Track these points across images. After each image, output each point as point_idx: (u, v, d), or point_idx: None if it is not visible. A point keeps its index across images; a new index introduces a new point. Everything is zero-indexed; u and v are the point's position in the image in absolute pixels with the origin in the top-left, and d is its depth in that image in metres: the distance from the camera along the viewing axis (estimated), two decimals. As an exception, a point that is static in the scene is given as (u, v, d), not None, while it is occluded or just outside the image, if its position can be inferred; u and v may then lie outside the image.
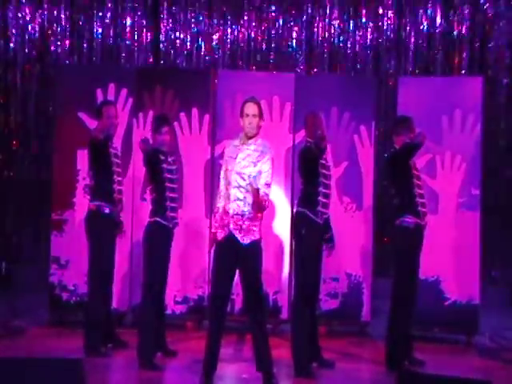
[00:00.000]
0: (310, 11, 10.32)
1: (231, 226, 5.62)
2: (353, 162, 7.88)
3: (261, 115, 5.69)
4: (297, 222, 6.44)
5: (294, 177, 7.84)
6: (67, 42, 10.30)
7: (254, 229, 5.64)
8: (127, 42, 10.32)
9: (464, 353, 7.22)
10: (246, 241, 5.62)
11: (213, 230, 5.84)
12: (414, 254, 6.48)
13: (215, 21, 10.36)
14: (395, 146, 6.53)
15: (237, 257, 5.65)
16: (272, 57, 10.35)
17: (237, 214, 5.63)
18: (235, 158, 5.65)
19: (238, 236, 5.62)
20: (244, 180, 5.60)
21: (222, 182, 5.78)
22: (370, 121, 7.94)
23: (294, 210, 6.62)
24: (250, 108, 5.65)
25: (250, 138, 5.67)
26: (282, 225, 7.85)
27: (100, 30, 10.31)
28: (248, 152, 5.65)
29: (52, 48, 10.27)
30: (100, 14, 10.30)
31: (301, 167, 6.45)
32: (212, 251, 5.98)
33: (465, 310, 7.46)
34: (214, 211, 5.87)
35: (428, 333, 7.56)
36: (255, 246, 5.66)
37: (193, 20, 10.38)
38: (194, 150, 7.85)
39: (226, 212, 5.67)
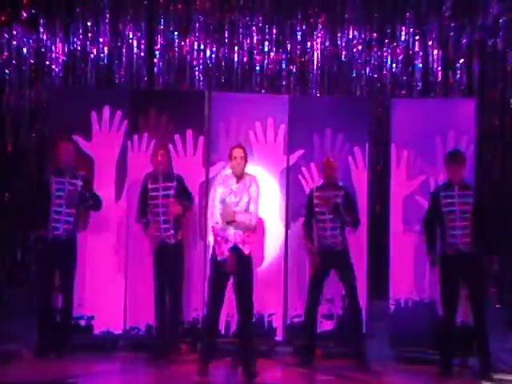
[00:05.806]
0: (303, 34, 10.38)
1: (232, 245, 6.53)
2: (347, 184, 7.87)
3: (246, 158, 6.69)
4: None
5: (289, 197, 7.87)
6: (62, 64, 10.32)
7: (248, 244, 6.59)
8: (122, 65, 10.34)
9: (459, 375, 7.17)
10: (247, 251, 6.56)
11: (214, 244, 6.65)
12: None
13: (210, 42, 10.40)
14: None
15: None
16: (266, 78, 10.37)
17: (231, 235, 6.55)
18: (231, 192, 6.60)
19: (242, 249, 6.51)
20: (240, 207, 6.57)
21: (218, 200, 6.60)
22: (363, 142, 7.95)
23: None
24: (238, 153, 6.65)
25: (239, 177, 6.63)
26: (276, 246, 7.87)
27: (95, 53, 10.34)
28: (241, 187, 6.64)
29: (46, 70, 10.29)
30: (95, 36, 10.33)
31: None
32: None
33: (460, 331, 7.41)
34: (214, 227, 6.61)
35: (423, 355, 7.53)
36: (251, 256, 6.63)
37: (187, 42, 10.42)
38: (188, 172, 7.82)
39: (223, 233, 6.53)
